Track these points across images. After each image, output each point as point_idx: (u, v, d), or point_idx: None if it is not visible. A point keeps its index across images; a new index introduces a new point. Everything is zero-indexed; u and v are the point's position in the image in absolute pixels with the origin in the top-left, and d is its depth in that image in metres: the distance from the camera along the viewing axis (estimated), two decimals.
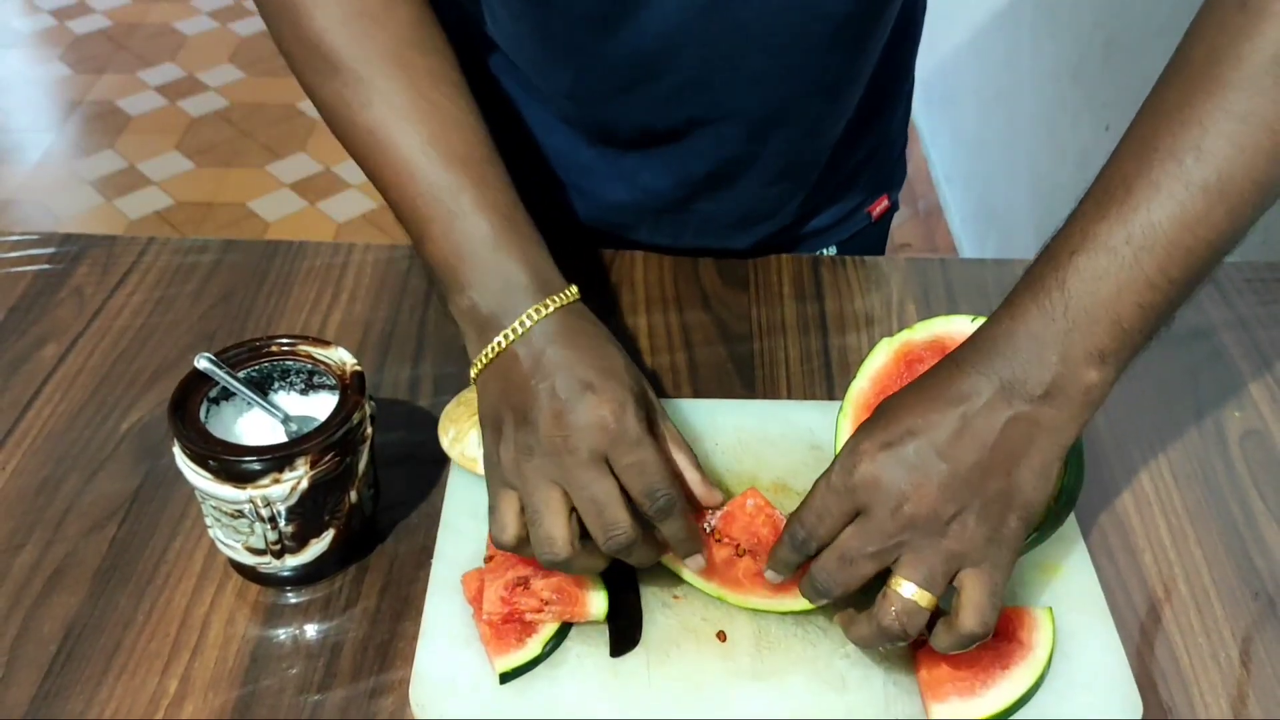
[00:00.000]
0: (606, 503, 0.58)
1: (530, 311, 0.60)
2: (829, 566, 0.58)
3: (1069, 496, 0.62)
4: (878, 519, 0.56)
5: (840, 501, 0.57)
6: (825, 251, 0.99)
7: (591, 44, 0.76)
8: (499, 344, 0.60)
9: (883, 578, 0.58)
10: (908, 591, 0.56)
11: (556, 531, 0.58)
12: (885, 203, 1.00)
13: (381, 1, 0.66)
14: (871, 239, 1.02)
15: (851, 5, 0.74)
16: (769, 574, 0.62)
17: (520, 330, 0.60)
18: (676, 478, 0.61)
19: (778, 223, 0.92)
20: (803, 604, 0.61)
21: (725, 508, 0.63)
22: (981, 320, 0.64)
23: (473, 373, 0.63)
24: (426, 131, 0.64)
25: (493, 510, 0.60)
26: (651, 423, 0.61)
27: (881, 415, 0.59)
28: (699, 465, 0.64)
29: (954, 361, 0.59)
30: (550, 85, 0.82)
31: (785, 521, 0.61)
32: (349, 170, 2.69)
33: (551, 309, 0.61)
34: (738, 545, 0.63)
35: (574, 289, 0.63)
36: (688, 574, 0.64)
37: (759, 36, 0.74)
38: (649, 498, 0.58)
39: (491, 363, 0.61)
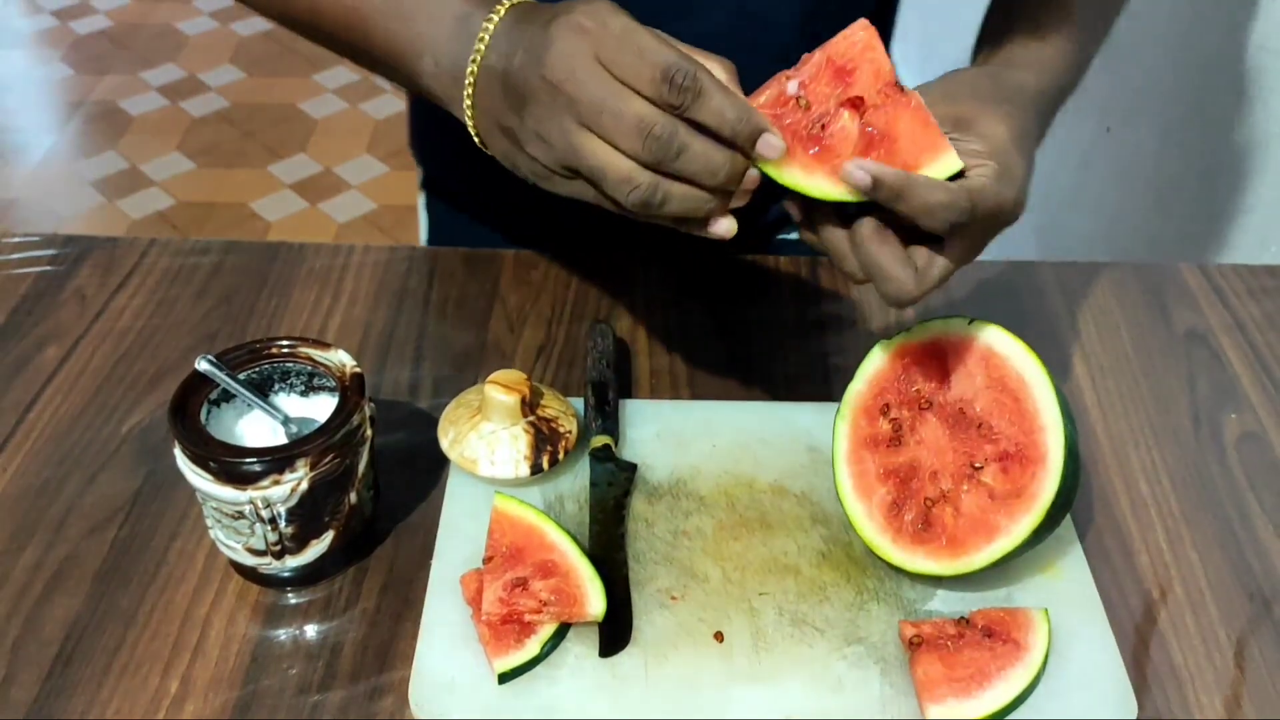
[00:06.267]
0: (626, 105, 0.53)
1: (484, 25, 0.59)
2: (940, 273, 0.61)
3: (1065, 498, 0.63)
4: (974, 239, 0.61)
5: (968, 215, 0.58)
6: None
7: None
8: (471, 72, 0.60)
9: (861, 210, 0.59)
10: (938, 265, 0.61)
11: (620, 164, 0.54)
12: None
13: None
14: None
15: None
16: (851, 171, 0.56)
17: (483, 45, 0.59)
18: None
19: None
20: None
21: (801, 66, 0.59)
22: (979, 324, 0.65)
23: (471, 129, 0.62)
24: None
25: (577, 195, 0.58)
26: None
27: (1017, 144, 0.62)
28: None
29: (1027, 110, 0.66)
30: None
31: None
32: (350, 171, 2.69)
33: (501, 11, 0.60)
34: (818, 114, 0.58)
35: None
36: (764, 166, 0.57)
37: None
38: (668, 83, 0.52)
39: (475, 97, 0.60)
